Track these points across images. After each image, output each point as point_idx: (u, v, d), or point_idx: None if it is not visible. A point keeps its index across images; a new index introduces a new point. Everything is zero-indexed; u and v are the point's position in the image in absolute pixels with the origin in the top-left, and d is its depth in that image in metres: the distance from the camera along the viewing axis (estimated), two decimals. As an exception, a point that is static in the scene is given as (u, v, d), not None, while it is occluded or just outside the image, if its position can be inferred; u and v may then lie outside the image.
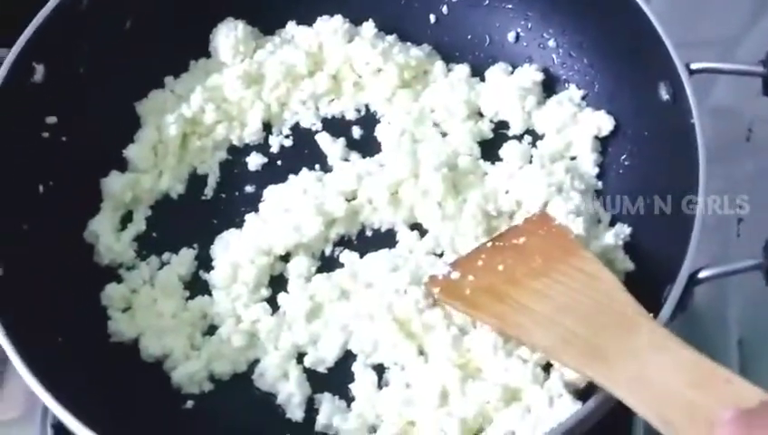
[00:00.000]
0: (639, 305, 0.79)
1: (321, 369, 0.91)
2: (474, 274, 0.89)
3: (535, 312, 0.84)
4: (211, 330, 0.94)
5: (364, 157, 1.01)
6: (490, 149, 1.02)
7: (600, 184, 0.99)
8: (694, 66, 0.90)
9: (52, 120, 0.97)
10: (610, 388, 0.75)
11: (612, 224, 0.95)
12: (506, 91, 1.03)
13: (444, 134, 1.02)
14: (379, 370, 0.90)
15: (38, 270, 0.91)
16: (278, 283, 0.95)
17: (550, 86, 1.04)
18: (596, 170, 0.99)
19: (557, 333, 0.81)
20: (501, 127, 1.04)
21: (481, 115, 1.04)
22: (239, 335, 0.92)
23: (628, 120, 0.99)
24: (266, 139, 1.04)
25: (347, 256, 0.96)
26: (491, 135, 1.03)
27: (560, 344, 0.80)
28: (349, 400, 0.90)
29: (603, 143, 1.00)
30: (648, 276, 0.88)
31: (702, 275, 0.82)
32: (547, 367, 0.86)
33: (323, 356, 0.91)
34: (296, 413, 0.89)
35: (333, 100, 1.06)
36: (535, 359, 0.86)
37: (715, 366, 0.72)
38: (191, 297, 0.95)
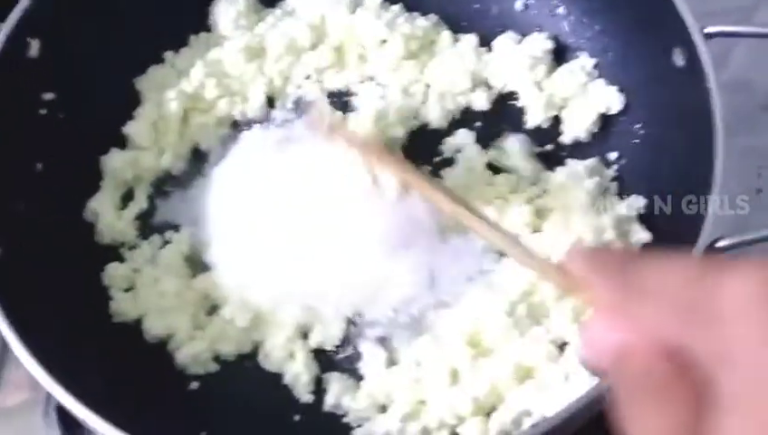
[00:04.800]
0: None
1: (329, 347, 0.89)
2: None
3: None
4: (215, 310, 0.91)
5: (370, 129, 0.98)
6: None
7: (611, 155, 0.96)
8: (709, 30, 0.87)
9: (49, 96, 0.95)
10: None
11: (623, 194, 0.93)
12: (515, 60, 1.00)
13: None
14: (389, 348, 0.88)
15: (37, 250, 0.88)
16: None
17: (560, 55, 1.01)
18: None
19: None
20: (509, 98, 1.01)
21: (489, 86, 1.01)
22: (243, 315, 0.90)
23: (641, 89, 0.96)
24: (269, 113, 1.01)
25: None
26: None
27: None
28: (357, 379, 0.87)
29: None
30: (664, 248, 0.85)
31: (720, 244, 0.79)
32: (562, 346, 0.84)
33: (331, 332, 0.89)
34: (304, 393, 0.87)
35: (337, 72, 1.03)
36: (550, 338, 0.84)
37: None
38: (194, 276, 0.93)
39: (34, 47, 0.93)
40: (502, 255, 0.88)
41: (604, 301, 0.47)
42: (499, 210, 0.91)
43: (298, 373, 0.87)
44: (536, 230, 0.91)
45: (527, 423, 0.80)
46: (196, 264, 0.94)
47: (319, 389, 0.87)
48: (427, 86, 1.00)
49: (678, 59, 0.88)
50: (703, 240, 0.78)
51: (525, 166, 0.95)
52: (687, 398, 0.43)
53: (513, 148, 0.96)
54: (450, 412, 0.82)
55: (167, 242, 0.95)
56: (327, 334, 0.89)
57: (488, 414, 0.82)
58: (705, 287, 0.43)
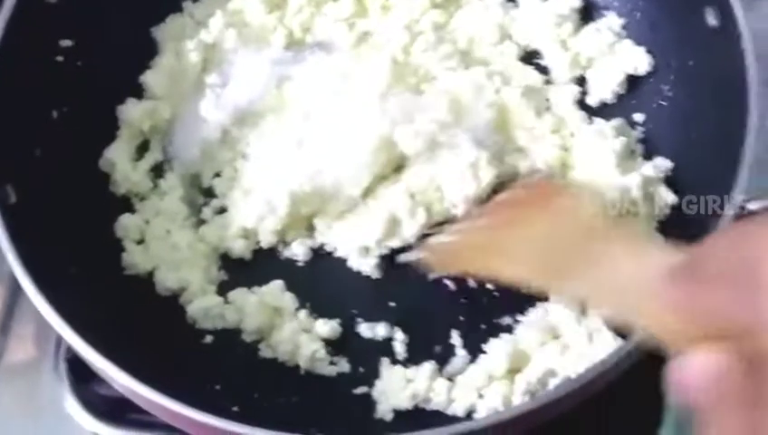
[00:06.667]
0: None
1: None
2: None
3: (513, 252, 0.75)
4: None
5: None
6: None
7: (637, 116, 0.94)
8: (744, -10, 0.85)
9: (66, 43, 0.93)
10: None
11: (649, 156, 0.91)
12: (541, 17, 0.98)
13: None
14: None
15: (52, 198, 0.87)
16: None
17: (587, 13, 0.99)
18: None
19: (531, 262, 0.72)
20: (534, 56, 0.99)
21: (514, 43, 0.99)
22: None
23: (671, 50, 0.94)
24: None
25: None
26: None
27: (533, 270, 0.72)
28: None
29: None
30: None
31: (751, 206, 0.78)
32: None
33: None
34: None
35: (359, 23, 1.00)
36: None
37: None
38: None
39: (54, -8, 0.91)
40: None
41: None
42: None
43: (314, 351, 0.86)
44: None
45: (552, 383, 0.79)
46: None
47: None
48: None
49: (711, 19, 0.87)
50: (733, 202, 0.77)
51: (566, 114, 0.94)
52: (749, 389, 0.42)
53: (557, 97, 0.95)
54: (479, 376, 0.82)
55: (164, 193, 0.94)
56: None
57: (514, 376, 0.82)
58: (746, 257, 0.41)
